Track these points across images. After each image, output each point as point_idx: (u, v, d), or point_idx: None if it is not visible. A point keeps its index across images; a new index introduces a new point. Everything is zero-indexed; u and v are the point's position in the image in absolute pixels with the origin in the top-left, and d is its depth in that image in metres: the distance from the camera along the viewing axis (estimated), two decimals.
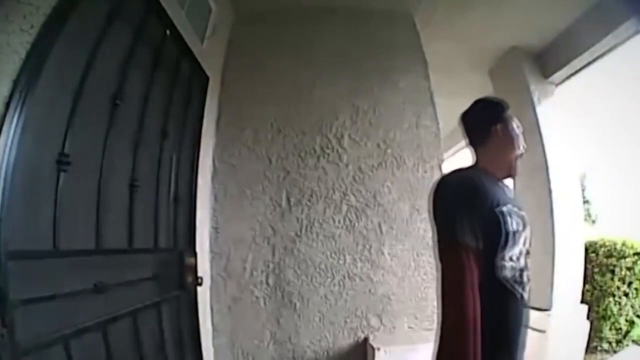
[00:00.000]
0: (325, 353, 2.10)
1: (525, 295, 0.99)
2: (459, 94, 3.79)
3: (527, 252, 1.03)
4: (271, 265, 2.15)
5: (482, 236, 0.93)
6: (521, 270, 0.98)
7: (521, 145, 1.13)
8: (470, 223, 0.93)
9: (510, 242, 0.95)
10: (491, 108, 1.18)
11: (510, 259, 0.96)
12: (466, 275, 0.89)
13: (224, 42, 2.35)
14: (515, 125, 1.15)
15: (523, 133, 1.16)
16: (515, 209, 1.01)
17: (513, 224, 0.97)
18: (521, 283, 0.98)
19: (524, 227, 1.02)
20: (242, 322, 2.10)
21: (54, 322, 0.93)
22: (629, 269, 3.52)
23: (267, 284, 2.14)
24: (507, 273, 0.95)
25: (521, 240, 0.99)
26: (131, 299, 1.28)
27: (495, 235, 0.94)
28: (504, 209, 0.97)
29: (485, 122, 1.14)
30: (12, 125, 0.83)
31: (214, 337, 2.07)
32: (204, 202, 2.04)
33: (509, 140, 1.12)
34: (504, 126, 1.12)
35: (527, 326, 1.01)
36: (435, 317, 2.14)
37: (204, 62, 1.97)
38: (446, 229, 0.97)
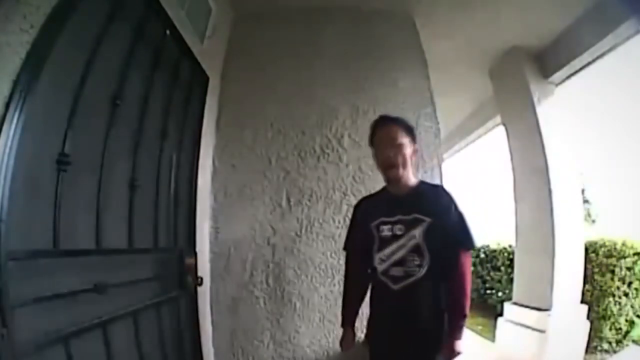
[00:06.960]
0: (325, 353, 2.10)
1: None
2: (459, 94, 3.81)
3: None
4: (271, 265, 2.15)
5: None
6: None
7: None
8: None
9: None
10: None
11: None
12: None
13: (224, 42, 2.35)
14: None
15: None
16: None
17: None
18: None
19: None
20: (242, 322, 2.10)
21: (54, 322, 0.93)
22: (629, 269, 3.51)
23: (267, 284, 2.14)
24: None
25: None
26: (131, 299, 1.28)
27: None
28: None
29: None
30: (12, 125, 0.83)
31: (214, 337, 2.07)
32: (204, 202, 2.04)
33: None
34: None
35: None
36: None
37: (204, 62, 1.97)
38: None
